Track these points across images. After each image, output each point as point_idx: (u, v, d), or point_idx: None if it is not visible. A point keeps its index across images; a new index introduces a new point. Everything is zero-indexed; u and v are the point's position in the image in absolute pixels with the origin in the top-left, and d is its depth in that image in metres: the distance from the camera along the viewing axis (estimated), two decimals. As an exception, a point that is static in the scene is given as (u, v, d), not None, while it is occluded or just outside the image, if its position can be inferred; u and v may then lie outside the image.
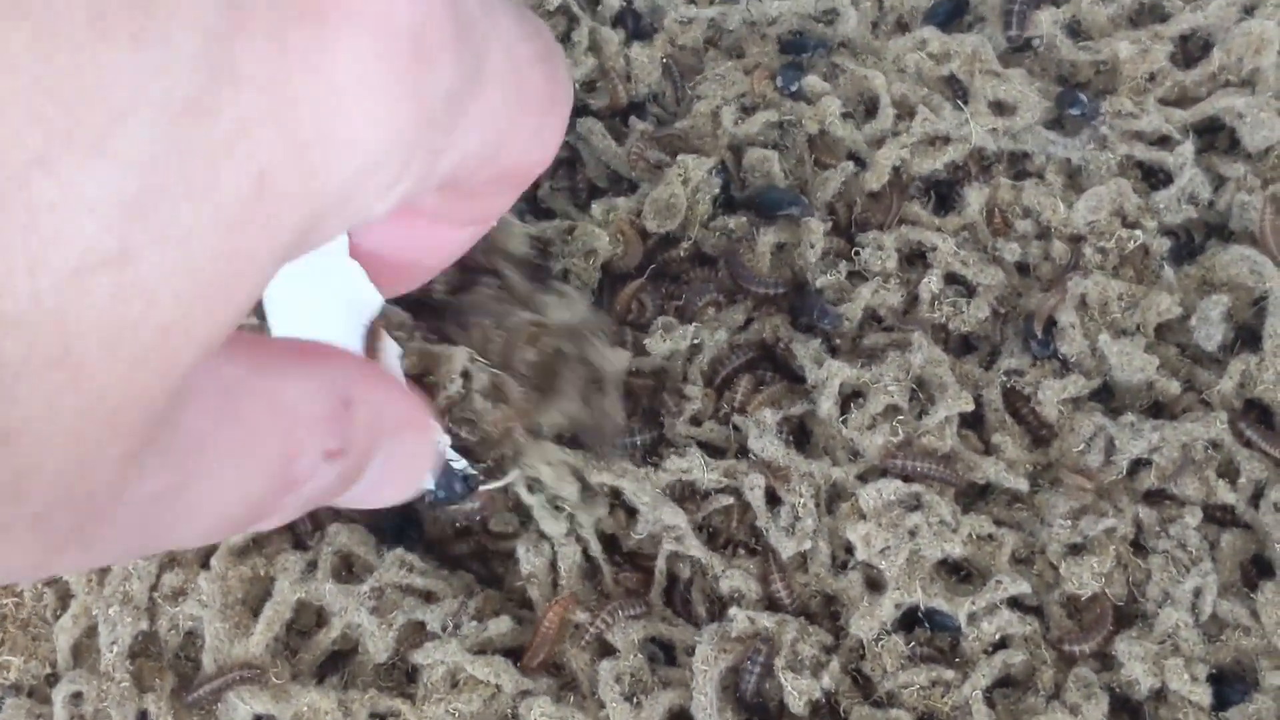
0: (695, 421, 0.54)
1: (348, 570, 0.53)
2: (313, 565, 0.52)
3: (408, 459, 0.35)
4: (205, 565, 0.52)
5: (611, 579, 0.52)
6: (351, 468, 0.31)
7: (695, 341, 0.55)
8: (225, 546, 0.52)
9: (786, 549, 0.51)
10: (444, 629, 0.50)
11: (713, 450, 0.54)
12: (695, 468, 0.52)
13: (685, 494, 0.53)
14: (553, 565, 0.52)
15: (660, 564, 0.52)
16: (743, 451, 0.53)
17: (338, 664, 0.52)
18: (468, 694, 0.49)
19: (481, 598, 0.52)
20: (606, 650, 0.51)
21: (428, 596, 0.52)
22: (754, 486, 0.52)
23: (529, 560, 0.52)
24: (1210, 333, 0.55)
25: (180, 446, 0.25)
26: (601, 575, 0.52)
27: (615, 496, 0.52)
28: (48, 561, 0.23)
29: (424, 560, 0.53)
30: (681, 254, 0.58)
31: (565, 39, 0.62)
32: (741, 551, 0.52)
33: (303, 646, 0.52)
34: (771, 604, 0.51)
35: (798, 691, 0.49)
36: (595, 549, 0.52)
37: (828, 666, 0.49)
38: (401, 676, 0.51)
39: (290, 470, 0.29)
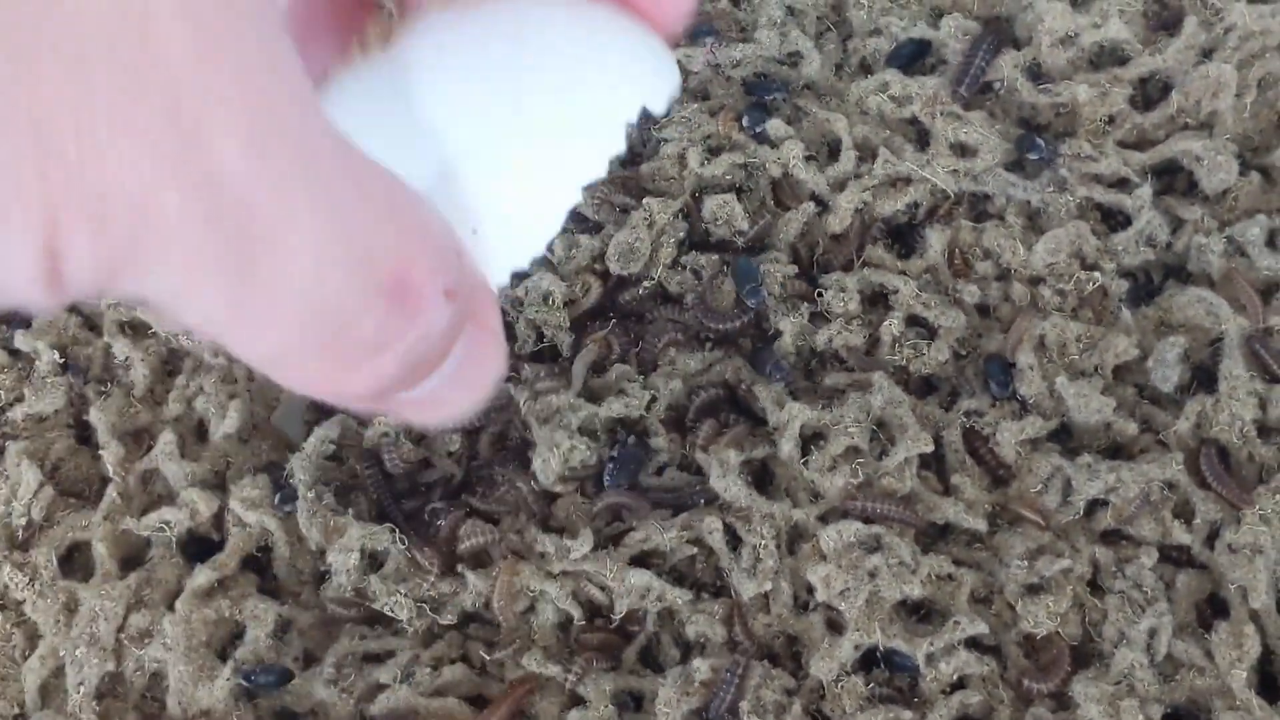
0: (657, 472, 0.55)
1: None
2: (285, 628, 0.53)
3: (485, 352, 0.33)
4: (171, 607, 0.53)
5: (577, 635, 0.52)
6: (453, 326, 0.29)
7: (652, 394, 0.55)
8: (191, 589, 0.52)
9: (748, 590, 0.52)
10: (396, 680, 0.51)
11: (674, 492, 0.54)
12: (654, 534, 0.52)
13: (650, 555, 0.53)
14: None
15: (649, 627, 0.53)
16: (704, 496, 0.54)
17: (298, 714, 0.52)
18: (428, 738, 0.50)
19: (442, 644, 0.52)
20: (575, 700, 0.51)
21: (382, 657, 0.52)
22: (713, 530, 0.52)
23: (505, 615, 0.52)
24: (1167, 374, 0.55)
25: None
26: (572, 629, 0.53)
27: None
28: None
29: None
30: (641, 293, 0.58)
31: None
32: (705, 595, 0.53)
33: (264, 694, 0.52)
34: (735, 646, 0.52)
35: (760, 733, 0.49)
36: (577, 615, 0.53)
37: (790, 709, 0.50)
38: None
39: (405, 280, 0.27)
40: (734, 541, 0.53)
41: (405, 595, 0.52)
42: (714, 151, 0.60)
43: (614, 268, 0.58)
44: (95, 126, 0.22)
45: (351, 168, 0.26)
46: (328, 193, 0.25)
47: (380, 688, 0.51)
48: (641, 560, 0.53)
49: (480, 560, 0.54)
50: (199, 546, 0.55)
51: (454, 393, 0.32)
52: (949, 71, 0.61)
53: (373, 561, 0.54)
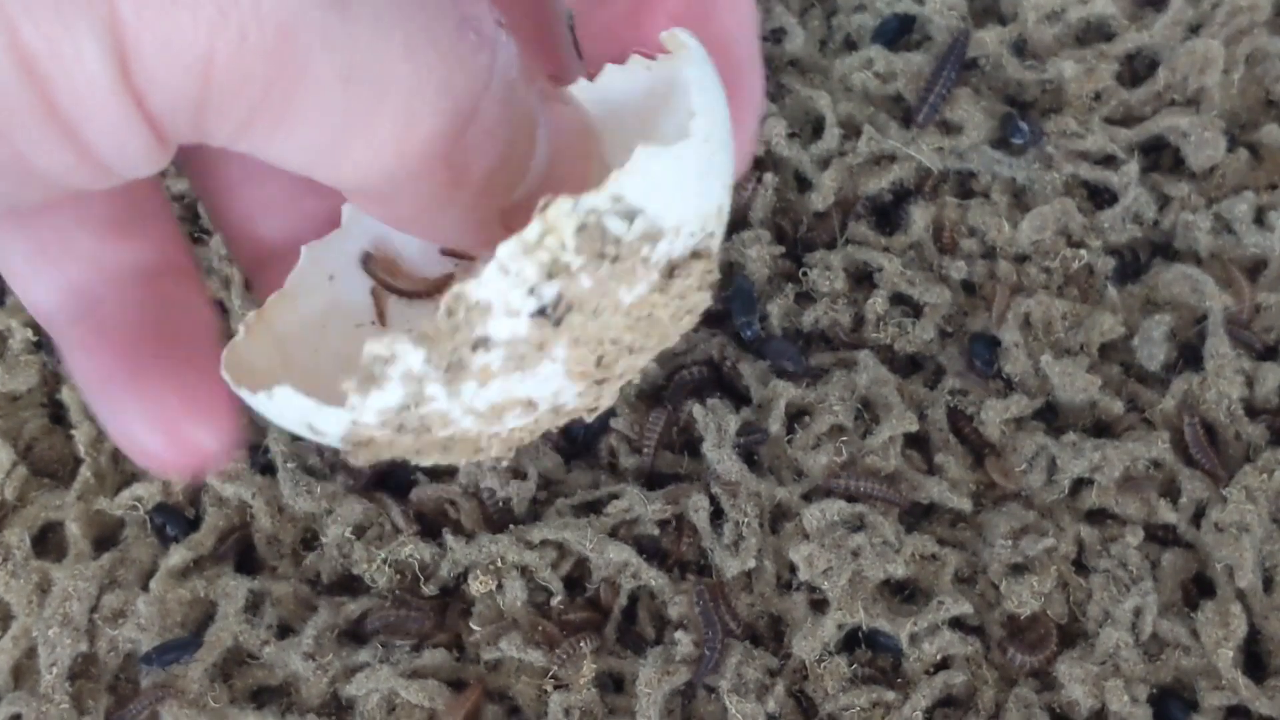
0: (637, 450, 0.54)
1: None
2: (256, 605, 0.52)
3: (573, 138, 0.31)
4: (145, 587, 0.52)
5: (558, 615, 0.52)
6: (529, 79, 0.28)
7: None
8: (165, 569, 0.52)
9: (730, 568, 0.51)
10: (376, 658, 0.50)
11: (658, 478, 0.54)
12: (636, 504, 0.52)
13: (630, 529, 0.53)
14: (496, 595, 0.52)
15: (621, 600, 0.52)
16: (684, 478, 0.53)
17: (275, 692, 0.52)
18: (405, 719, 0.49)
19: (417, 629, 0.51)
20: (556, 682, 0.51)
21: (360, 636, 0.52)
22: (698, 509, 0.52)
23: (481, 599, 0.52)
24: (1153, 352, 0.55)
25: None
26: (550, 609, 0.52)
27: (560, 549, 0.52)
28: None
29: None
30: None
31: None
32: (690, 576, 0.52)
33: (238, 674, 0.51)
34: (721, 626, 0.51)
35: (743, 715, 0.49)
36: (557, 588, 0.52)
37: (773, 690, 0.49)
38: (340, 702, 0.51)
39: (465, 14, 0.26)
40: (717, 517, 0.52)
41: (385, 563, 0.52)
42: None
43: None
44: None
45: None
46: None
47: (358, 667, 0.50)
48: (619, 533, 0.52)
49: (459, 526, 0.53)
50: (179, 525, 0.55)
51: (568, 162, 0.30)
52: (937, 45, 0.61)
53: (357, 531, 0.53)
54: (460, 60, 0.26)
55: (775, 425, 0.53)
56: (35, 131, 0.23)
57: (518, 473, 0.54)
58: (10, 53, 0.22)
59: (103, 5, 0.22)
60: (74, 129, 0.24)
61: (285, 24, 0.23)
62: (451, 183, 0.27)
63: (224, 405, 0.32)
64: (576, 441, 0.56)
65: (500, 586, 0.52)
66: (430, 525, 0.54)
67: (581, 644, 0.50)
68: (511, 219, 0.29)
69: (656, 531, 0.52)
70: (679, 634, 0.50)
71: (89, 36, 0.22)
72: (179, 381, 0.32)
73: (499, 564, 0.52)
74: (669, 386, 0.55)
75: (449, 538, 0.52)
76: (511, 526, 0.53)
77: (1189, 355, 0.55)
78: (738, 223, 0.58)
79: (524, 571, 0.52)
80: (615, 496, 0.53)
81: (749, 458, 0.54)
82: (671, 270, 0.30)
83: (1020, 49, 0.61)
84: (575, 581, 0.53)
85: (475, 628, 0.51)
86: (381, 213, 0.30)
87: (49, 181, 0.25)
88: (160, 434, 0.31)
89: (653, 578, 0.51)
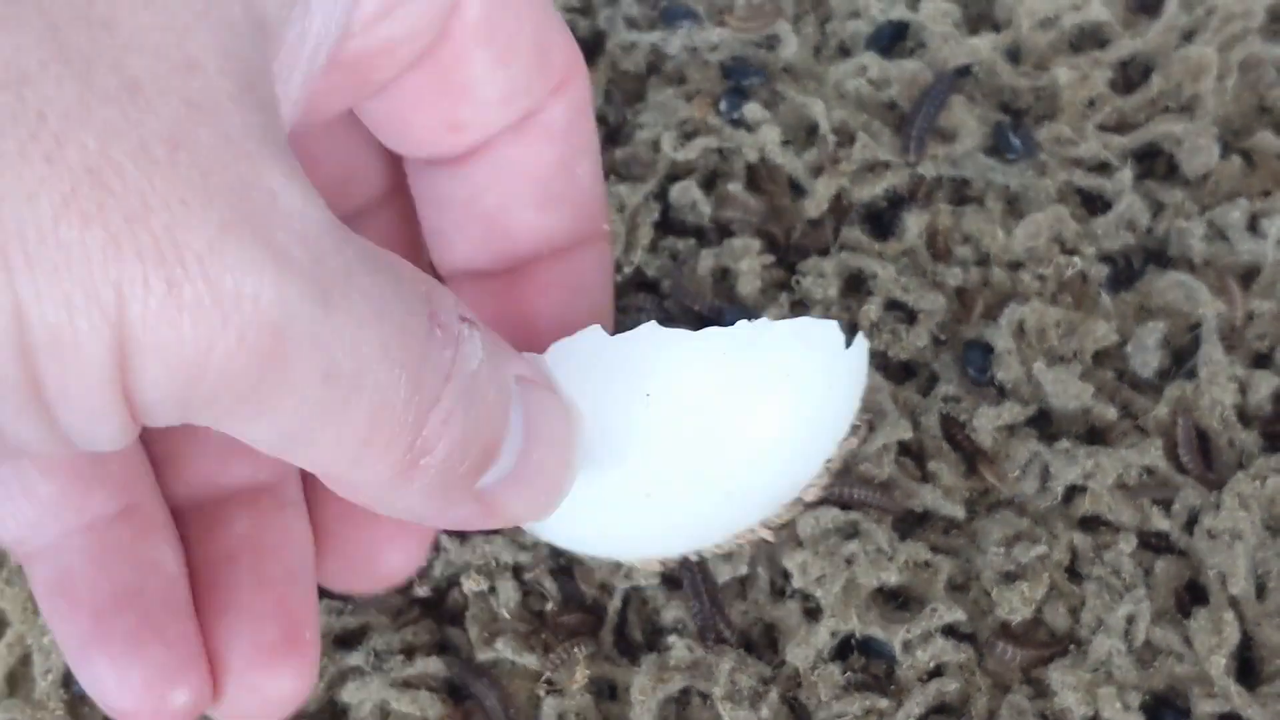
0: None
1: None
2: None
3: (551, 421, 0.33)
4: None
5: (553, 618, 0.52)
6: (496, 370, 0.30)
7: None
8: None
9: (723, 574, 0.51)
10: (369, 665, 0.50)
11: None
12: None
13: None
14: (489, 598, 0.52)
15: (615, 603, 0.52)
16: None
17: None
18: (398, 727, 0.50)
19: (412, 630, 0.52)
20: (550, 687, 0.51)
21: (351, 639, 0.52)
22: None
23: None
24: (1146, 359, 0.55)
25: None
26: (544, 613, 0.52)
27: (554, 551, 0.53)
28: None
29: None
30: (619, 280, 0.58)
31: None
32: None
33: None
34: (715, 635, 0.51)
35: (736, 722, 0.49)
36: (551, 591, 0.52)
37: (766, 697, 0.49)
38: (335, 710, 0.51)
39: (433, 310, 0.28)
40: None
41: None
42: (689, 136, 0.59)
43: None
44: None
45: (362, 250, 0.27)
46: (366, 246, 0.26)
47: (349, 673, 0.50)
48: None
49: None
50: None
51: (536, 478, 0.32)
52: (930, 51, 0.61)
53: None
54: (427, 356, 0.27)
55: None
56: (12, 405, 0.24)
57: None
58: (10, 332, 0.22)
59: (111, 304, 0.23)
60: (53, 410, 0.24)
61: (278, 325, 0.24)
62: (411, 465, 0.28)
63: (193, 660, 0.33)
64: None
65: (494, 589, 0.52)
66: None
67: (576, 649, 0.50)
68: (491, 500, 0.31)
69: None
70: (672, 638, 0.50)
71: (92, 332, 0.23)
72: (144, 643, 0.32)
73: (493, 565, 0.52)
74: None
75: (443, 538, 0.52)
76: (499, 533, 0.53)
77: (1183, 361, 0.55)
78: (729, 232, 0.58)
79: (517, 573, 0.52)
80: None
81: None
82: None
83: (1014, 55, 0.61)
84: (570, 586, 0.53)
85: (470, 630, 0.51)
86: (344, 491, 0.31)
87: (6, 444, 0.25)
88: (130, 695, 0.32)
89: (644, 578, 0.51)
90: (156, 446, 0.37)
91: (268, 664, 0.34)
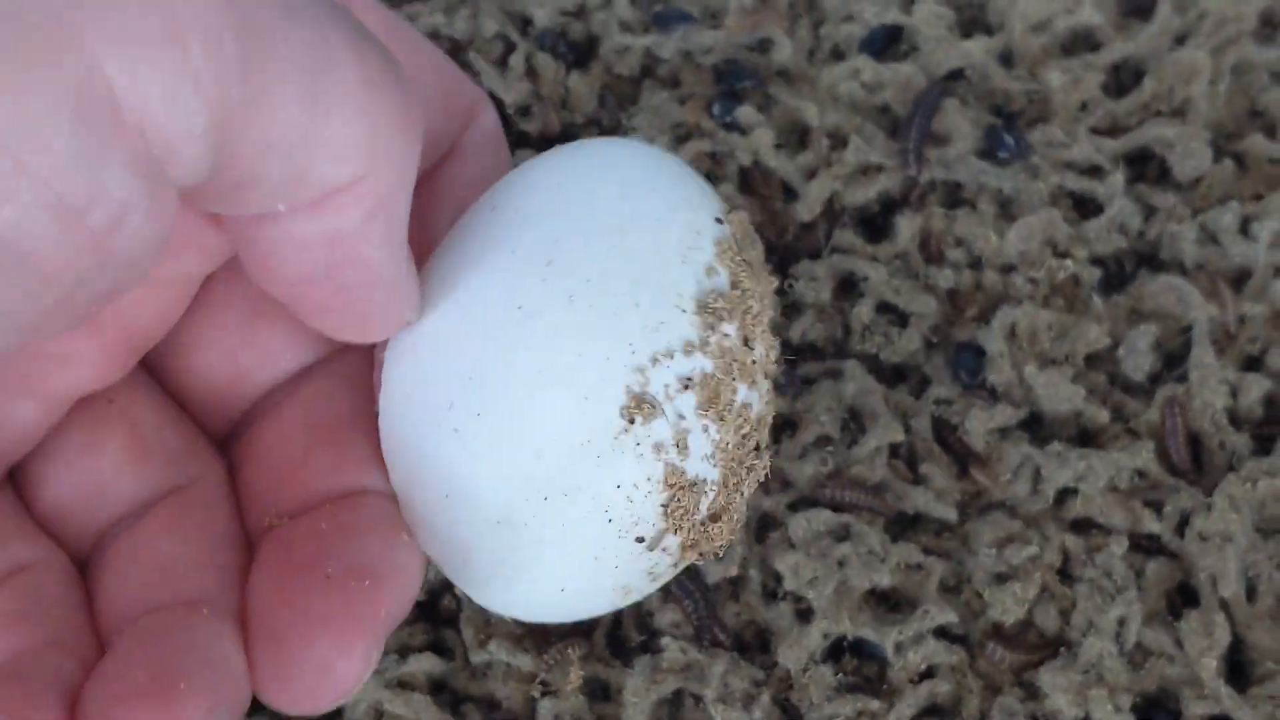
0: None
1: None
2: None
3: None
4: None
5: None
6: None
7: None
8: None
9: (714, 574, 0.51)
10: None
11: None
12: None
13: None
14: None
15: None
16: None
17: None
18: (392, 728, 0.50)
19: (408, 632, 0.52)
20: (544, 689, 0.51)
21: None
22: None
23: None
24: (1138, 362, 0.55)
25: None
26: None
27: None
28: None
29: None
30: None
31: (503, 63, 0.62)
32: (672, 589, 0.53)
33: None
34: (708, 637, 0.51)
35: (728, 724, 0.49)
36: None
37: (758, 699, 0.50)
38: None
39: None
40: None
41: None
42: (682, 140, 0.60)
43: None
44: None
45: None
46: None
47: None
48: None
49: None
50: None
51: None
52: (924, 55, 0.61)
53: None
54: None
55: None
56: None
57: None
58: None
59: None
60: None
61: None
62: (403, 225, 0.30)
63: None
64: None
65: None
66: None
67: (570, 650, 0.50)
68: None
69: None
70: (666, 640, 0.50)
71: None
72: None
73: None
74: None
75: None
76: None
77: (1174, 365, 0.56)
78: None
79: None
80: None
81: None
82: None
83: (1007, 59, 0.61)
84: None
85: (464, 631, 0.51)
86: (344, 274, 0.33)
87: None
88: None
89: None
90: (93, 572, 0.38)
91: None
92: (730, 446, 0.38)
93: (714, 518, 0.39)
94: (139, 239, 0.26)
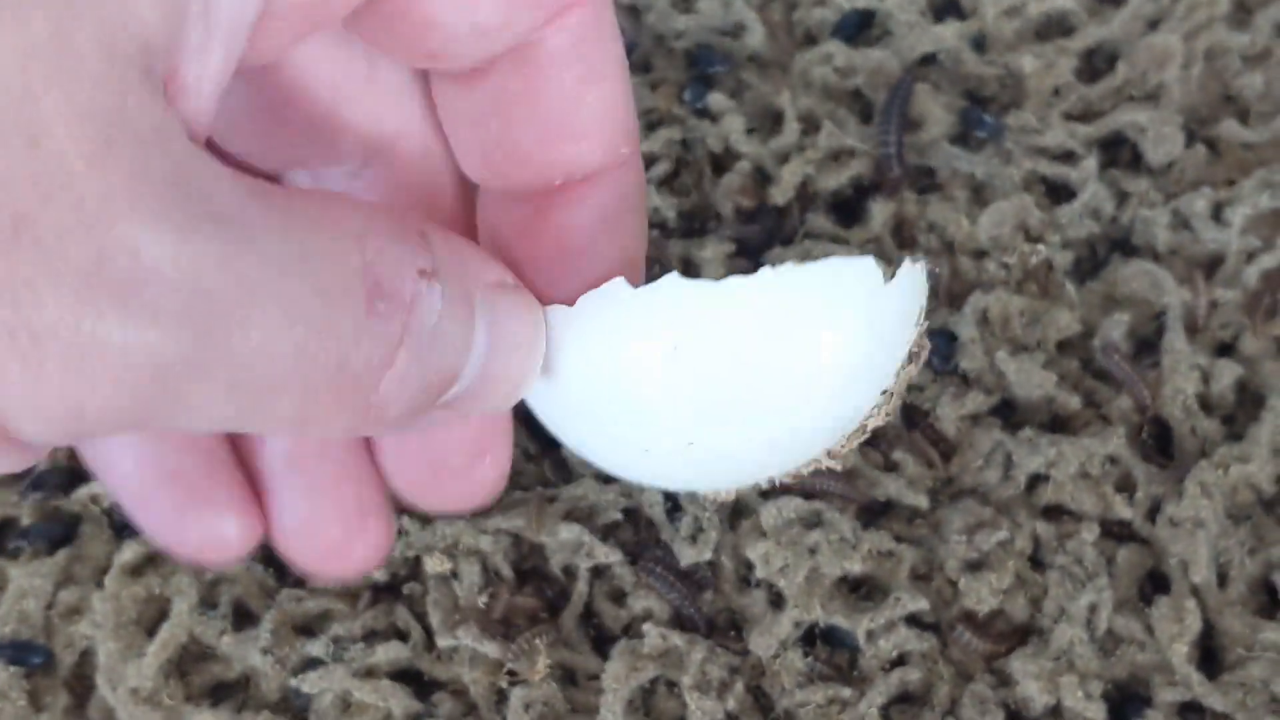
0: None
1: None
2: (214, 598, 0.52)
3: (516, 327, 0.32)
4: (100, 584, 0.52)
5: (508, 603, 0.52)
6: (459, 306, 0.29)
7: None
8: (119, 565, 0.52)
9: (687, 558, 0.51)
10: (329, 655, 0.50)
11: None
12: (591, 493, 0.52)
13: (586, 517, 0.53)
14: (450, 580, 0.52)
15: (581, 587, 0.52)
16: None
17: (232, 688, 0.52)
18: (359, 718, 0.49)
19: (372, 614, 0.51)
20: (511, 678, 0.51)
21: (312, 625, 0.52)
22: (653, 503, 0.52)
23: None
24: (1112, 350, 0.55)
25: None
26: (501, 599, 0.52)
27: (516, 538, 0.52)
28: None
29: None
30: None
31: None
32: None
33: (195, 670, 0.51)
34: (681, 621, 0.51)
35: (702, 712, 0.49)
36: (507, 574, 0.52)
37: (733, 688, 0.49)
38: (295, 700, 0.51)
39: (377, 280, 0.27)
40: (675, 512, 0.52)
41: None
42: (653, 126, 0.59)
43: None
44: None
45: (282, 206, 0.26)
46: (274, 247, 0.25)
47: (312, 663, 0.50)
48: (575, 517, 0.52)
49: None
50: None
51: (500, 378, 0.31)
52: (897, 39, 0.61)
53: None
54: (363, 337, 0.26)
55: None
56: None
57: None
58: None
59: None
60: None
61: (157, 368, 0.24)
62: (370, 418, 0.28)
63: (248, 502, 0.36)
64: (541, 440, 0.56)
65: (456, 574, 0.52)
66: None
67: (537, 639, 0.50)
68: (453, 407, 0.30)
69: (619, 516, 0.52)
70: (647, 626, 0.50)
71: None
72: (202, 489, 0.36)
73: (455, 548, 0.52)
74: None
75: (405, 520, 0.52)
76: (471, 519, 0.53)
77: (1148, 350, 0.55)
78: (697, 231, 0.58)
79: (480, 557, 0.52)
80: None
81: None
82: None
83: (980, 44, 0.61)
84: (531, 570, 0.53)
85: (431, 616, 0.51)
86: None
87: None
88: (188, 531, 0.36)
89: (605, 553, 0.51)
90: None
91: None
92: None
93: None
94: None
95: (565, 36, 0.33)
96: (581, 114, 0.34)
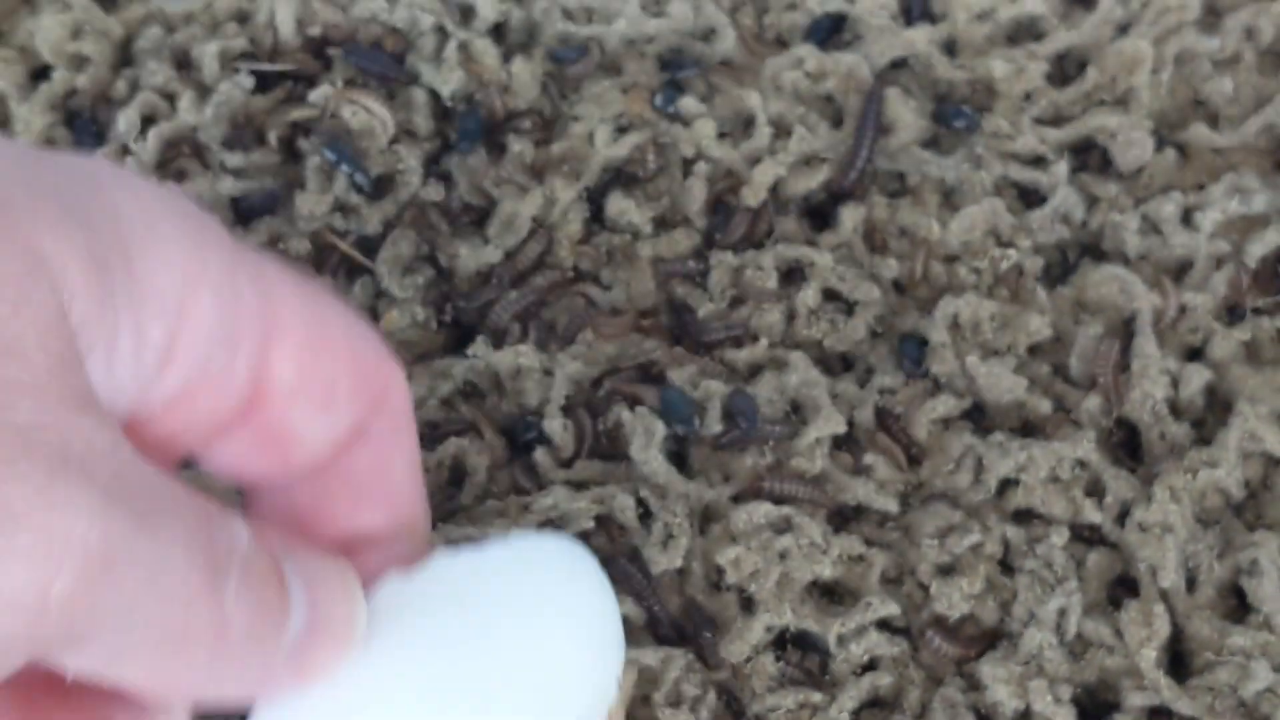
0: (565, 464, 0.54)
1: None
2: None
3: (327, 581, 0.34)
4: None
5: None
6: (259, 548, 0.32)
7: (547, 369, 0.54)
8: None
9: (660, 564, 0.51)
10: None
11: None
12: (562, 501, 0.52)
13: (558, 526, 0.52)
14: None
15: None
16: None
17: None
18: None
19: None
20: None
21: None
22: (624, 509, 0.52)
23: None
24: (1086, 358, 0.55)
25: None
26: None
27: None
28: None
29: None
30: (559, 277, 0.57)
31: (437, 56, 0.61)
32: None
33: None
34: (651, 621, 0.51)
35: (674, 723, 0.49)
36: None
37: (705, 699, 0.49)
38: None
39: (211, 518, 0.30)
40: (646, 518, 0.52)
41: None
42: (624, 130, 0.59)
43: (494, 241, 0.57)
44: None
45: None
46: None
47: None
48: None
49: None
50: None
51: (318, 644, 0.34)
52: (868, 43, 0.61)
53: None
54: (213, 548, 0.30)
55: (714, 426, 0.53)
56: None
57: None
58: None
59: None
60: None
61: (106, 554, 0.27)
62: (222, 639, 0.30)
63: None
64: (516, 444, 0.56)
65: None
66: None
67: None
68: (295, 665, 0.33)
69: (590, 525, 0.52)
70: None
71: None
72: None
73: None
74: (600, 392, 0.55)
75: None
76: (439, 525, 0.52)
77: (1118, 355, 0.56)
78: (669, 225, 0.58)
79: None
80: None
81: (678, 461, 0.54)
82: None
83: (950, 48, 0.61)
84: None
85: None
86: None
87: None
88: None
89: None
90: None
91: None
92: None
93: None
94: None
95: (383, 424, 0.38)
96: (388, 485, 0.39)
